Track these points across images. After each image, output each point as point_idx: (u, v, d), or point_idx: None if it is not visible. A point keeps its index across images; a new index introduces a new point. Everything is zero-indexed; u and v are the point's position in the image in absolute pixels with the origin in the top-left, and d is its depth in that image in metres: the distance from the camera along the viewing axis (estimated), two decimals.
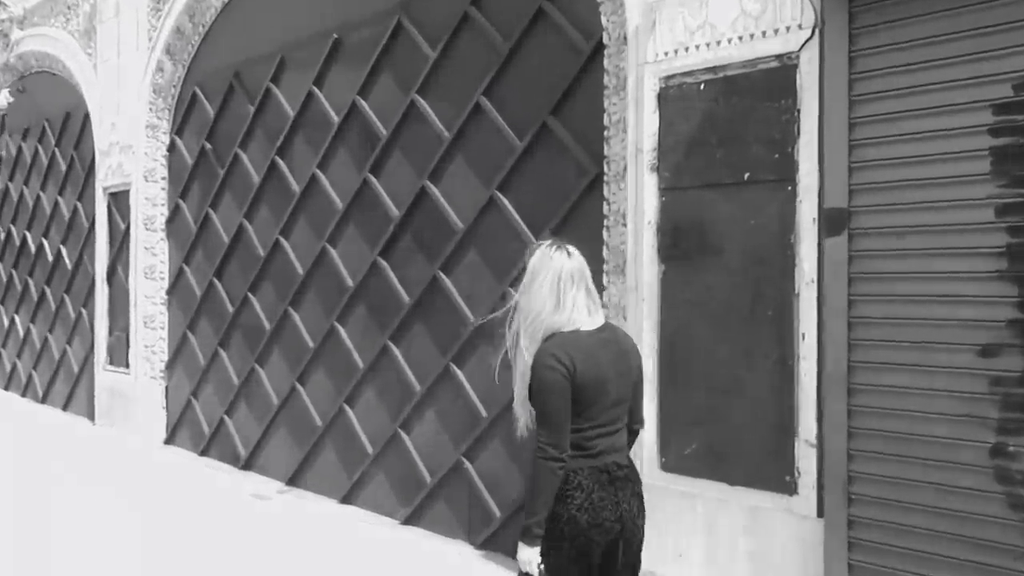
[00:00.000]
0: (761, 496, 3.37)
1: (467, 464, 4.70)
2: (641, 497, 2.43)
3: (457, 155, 4.82)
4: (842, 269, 3.12)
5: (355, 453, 5.42)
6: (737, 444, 3.43)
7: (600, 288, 3.93)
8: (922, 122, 2.93)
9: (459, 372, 4.76)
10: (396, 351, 5.14)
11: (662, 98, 3.69)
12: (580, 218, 4.19)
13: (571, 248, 2.48)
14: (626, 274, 3.84)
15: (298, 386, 5.86)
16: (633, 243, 3.79)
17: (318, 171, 5.71)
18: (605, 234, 3.99)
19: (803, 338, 3.24)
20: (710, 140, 3.53)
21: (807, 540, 3.22)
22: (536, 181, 4.39)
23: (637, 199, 3.78)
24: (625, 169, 3.85)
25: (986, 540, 2.80)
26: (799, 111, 3.26)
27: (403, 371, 5.08)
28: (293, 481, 5.90)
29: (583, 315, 2.39)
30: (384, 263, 5.22)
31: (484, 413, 4.61)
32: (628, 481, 2.40)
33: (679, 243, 3.63)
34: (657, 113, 3.71)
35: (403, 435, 5.08)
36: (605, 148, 3.99)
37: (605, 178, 4.00)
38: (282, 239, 6.02)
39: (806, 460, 3.24)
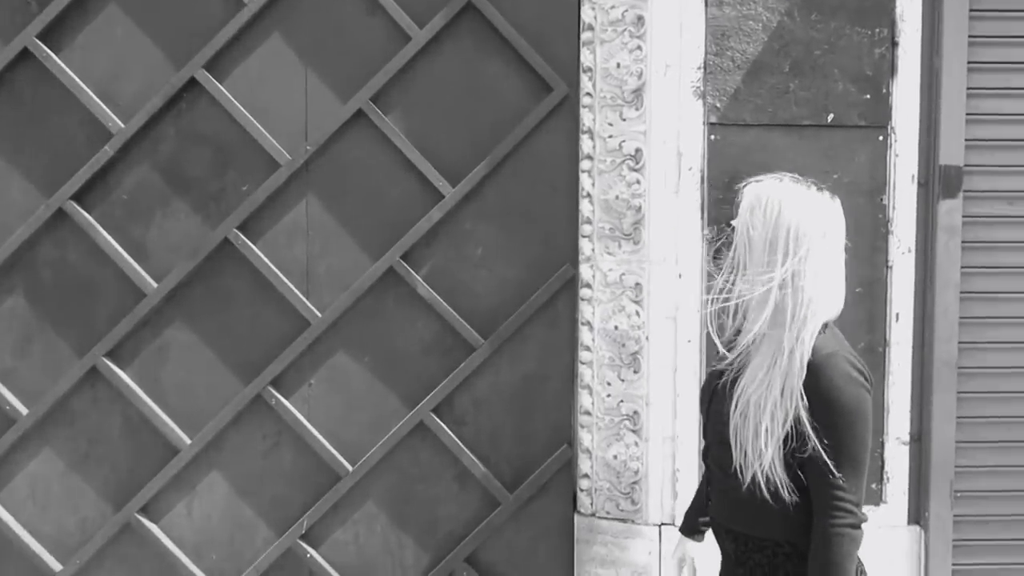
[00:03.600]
0: None
1: (310, 552, 2.84)
2: None
3: (272, 34, 2.80)
4: (956, 237, 2.70)
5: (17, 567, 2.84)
6: None
7: (578, 259, 2.74)
8: None
9: (287, 403, 2.83)
10: (123, 376, 2.81)
11: None
12: (533, 156, 2.82)
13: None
14: (643, 241, 2.71)
15: None
16: (659, 198, 2.69)
17: None
18: (587, 182, 2.76)
19: (896, 319, 2.73)
20: (781, 65, 2.69)
21: (897, 553, 2.75)
22: (447, 95, 2.81)
23: (667, 135, 2.69)
24: (640, 90, 2.69)
25: None
26: (896, 44, 2.69)
27: (141, 407, 2.81)
28: None
29: None
30: (85, 217, 2.79)
31: (347, 465, 2.83)
32: None
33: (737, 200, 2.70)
34: (704, 17, 2.68)
35: (147, 525, 2.83)
36: (586, 56, 2.74)
37: (586, 101, 2.75)
38: None
39: (896, 461, 2.76)
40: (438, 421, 2.82)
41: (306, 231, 2.83)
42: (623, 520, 2.77)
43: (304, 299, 2.81)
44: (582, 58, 2.76)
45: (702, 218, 2.71)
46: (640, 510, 2.75)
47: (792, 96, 2.69)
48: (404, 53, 2.76)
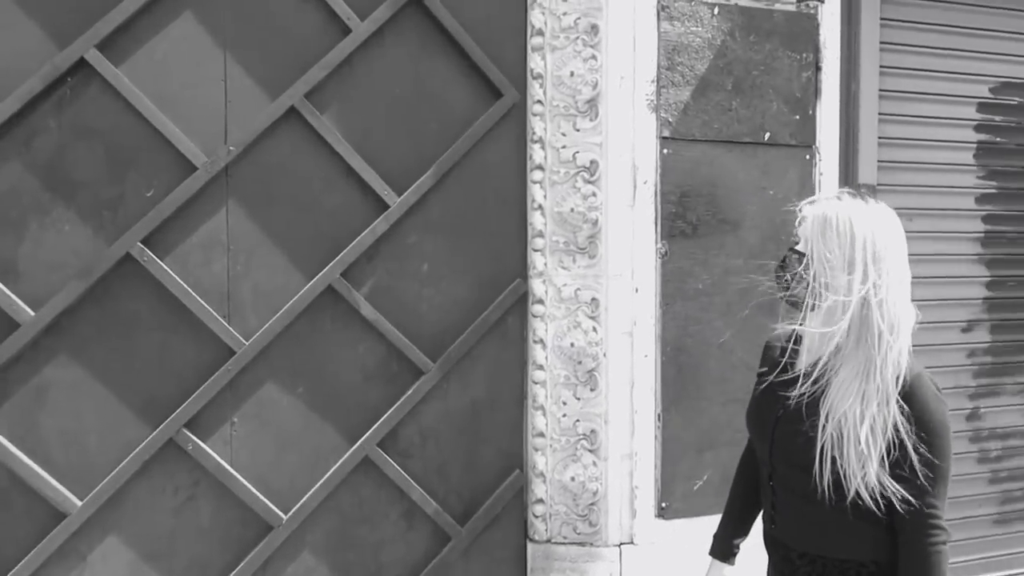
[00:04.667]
0: None
1: None
2: None
3: (183, 12, 2.37)
4: None
5: None
6: None
7: (527, 273, 2.64)
8: (937, 107, 2.98)
9: (206, 447, 2.40)
10: None
11: (664, 11, 2.66)
12: (481, 165, 2.65)
13: None
14: (600, 255, 2.64)
15: None
16: (616, 211, 2.64)
17: None
18: (539, 194, 2.65)
19: None
20: (724, 84, 2.75)
21: None
22: (388, 95, 2.55)
23: (623, 147, 2.64)
24: (594, 101, 2.62)
25: (961, 496, 3.11)
26: (819, 68, 2.86)
27: (12, 464, 2.25)
28: None
29: None
30: None
31: (280, 514, 2.47)
32: None
33: (687, 214, 2.72)
34: (657, 32, 2.66)
35: None
36: (536, 62, 2.63)
37: (537, 109, 2.64)
38: None
39: None
40: (384, 455, 2.55)
41: (227, 245, 2.43)
42: (581, 544, 2.68)
43: (225, 324, 2.41)
44: (532, 64, 2.64)
45: (656, 231, 2.69)
46: (599, 532, 2.67)
47: (735, 114, 2.76)
48: (343, 47, 2.47)
